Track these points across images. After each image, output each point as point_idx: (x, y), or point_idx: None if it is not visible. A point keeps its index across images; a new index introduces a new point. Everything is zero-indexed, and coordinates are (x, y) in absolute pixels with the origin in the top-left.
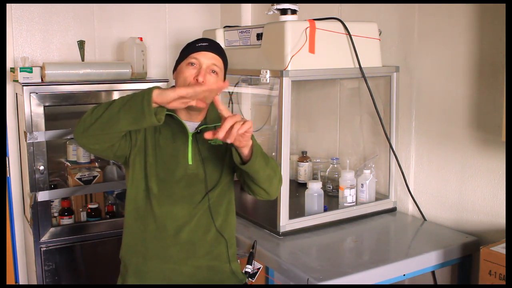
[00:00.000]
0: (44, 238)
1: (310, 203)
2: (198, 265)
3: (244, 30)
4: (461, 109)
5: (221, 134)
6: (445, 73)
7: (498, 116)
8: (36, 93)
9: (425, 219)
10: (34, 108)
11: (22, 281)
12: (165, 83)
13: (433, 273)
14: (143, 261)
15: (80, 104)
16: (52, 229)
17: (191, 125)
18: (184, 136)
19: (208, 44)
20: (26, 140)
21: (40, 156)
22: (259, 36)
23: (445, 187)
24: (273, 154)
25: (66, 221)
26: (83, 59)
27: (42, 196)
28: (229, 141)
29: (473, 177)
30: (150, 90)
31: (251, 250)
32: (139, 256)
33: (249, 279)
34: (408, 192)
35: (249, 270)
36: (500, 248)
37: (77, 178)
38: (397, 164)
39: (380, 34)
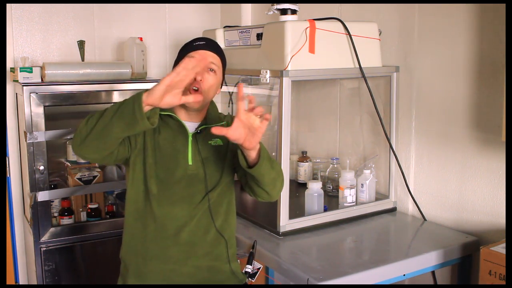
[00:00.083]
0: (44, 238)
1: (310, 203)
2: (198, 265)
3: (244, 30)
4: (461, 109)
5: (231, 133)
6: (445, 73)
7: (498, 116)
8: (36, 93)
9: (425, 219)
10: (34, 108)
11: (22, 281)
12: None
13: (433, 273)
14: (143, 261)
15: (80, 104)
16: (52, 229)
17: (191, 125)
18: (184, 136)
19: (205, 43)
20: (26, 140)
21: (40, 156)
22: (259, 36)
23: (445, 187)
24: (273, 154)
25: (66, 221)
26: (83, 59)
27: (42, 196)
28: (239, 141)
29: (473, 177)
30: (139, 94)
31: (251, 250)
32: (139, 256)
33: (249, 279)
34: (408, 192)
35: (249, 270)
36: (500, 248)
37: (77, 178)
38: (397, 164)
39: (380, 34)
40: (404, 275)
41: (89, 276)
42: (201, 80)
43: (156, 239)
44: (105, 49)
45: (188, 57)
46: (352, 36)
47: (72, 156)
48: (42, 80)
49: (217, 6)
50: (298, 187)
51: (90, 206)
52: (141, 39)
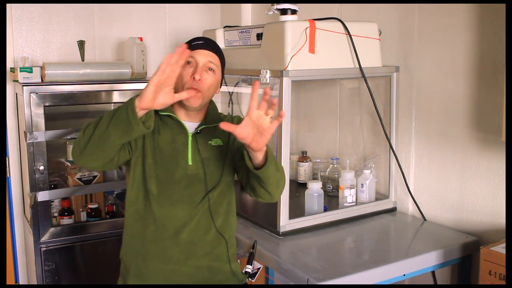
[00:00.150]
0: (44, 238)
1: (310, 203)
2: (198, 265)
3: (244, 30)
4: (461, 109)
5: (239, 130)
6: (445, 73)
7: (498, 116)
8: (36, 93)
9: (425, 219)
10: (34, 108)
11: (22, 281)
12: None
13: (433, 273)
14: (143, 262)
15: (80, 104)
16: (52, 229)
17: (191, 126)
18: (183, 136)
19: (203, 42)
20: (26, 140)
21: (40, 156)
22: (259, 36)
23: (445, 187)
24: (273, 154)
25: (66, 221)
26: (83, 59)
27: (42, 196)
28: (247, 141)
29: (473, 177)
30: (132, 99)
31: (251, 250)
32: (139, 257)
33: (249, 279)
34: (408, 192)
35: (249, 270)
36: (500, 248)
37: (77, 178)
38: (397, 164)
39: (380, 34)
40: (404, 275)
41: (89, 276)
42: (199, 80)
43: (156, 240)
44: (105, 49)
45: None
46: (352, 36)
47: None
48: (42, 80)
49: (217, 6)
50: (298, 187)
51: (90, 206)
52: (141, 39)
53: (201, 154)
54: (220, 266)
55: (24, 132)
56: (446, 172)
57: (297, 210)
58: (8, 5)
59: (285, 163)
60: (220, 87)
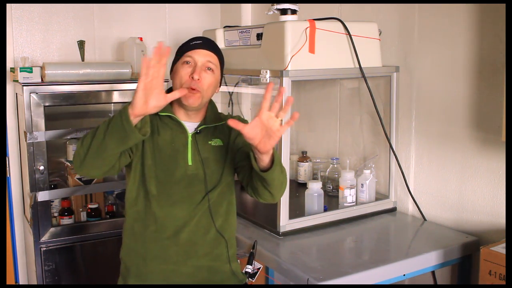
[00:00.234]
0: (44, 238)
1: (310, 203)
2: (198, 265)
3: (244, 30)
4: (461, 109)
5: (247, 130)
6: (445, 73)
7: (498, 116)
8: (36, 93)
9: (425, 219)
10: (34, 108)
11: (22, 281)
12: (165, 83)
13: (433, 273)
14: (143, 262)
15: (80, 104)
16: (52, 229)
17: (190, 126)
18: (183, 136)
19: (202, 42)
20: (26, 140)
21: (40, 156)
22: (259, 36)
23: (445, 187)
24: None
25: (66, 221)
26: (83, 59)
27: (42, 196)
28: (254, 142)
29: (473, 177)
30: (125, 107)
31: (251, 250)
32: (139, 257)
33: (249, 279)
34: (408, 192)
35: (249, 270)
36: (500, 248)
37: (77, 178)
38: (397, 164)
39: (380, 34)
40: (404, 275)
41: (89, 276)
42: (198, 79)
43: (156, 240)
44: (105, 49)
45: (186, 56)
46: (352, 36)
47: (72, 156)
48: (42, 80)
49: (217, 6)
50: (298, 187)
51: (90, 206)
52: (141, 39)
53: (201, 154)
54: (220, 266)
55: (24, 132)
56: (446, 172)
57: (297, 210)
58: (8, 5)
59: (285, 163)
60: (220, 86)
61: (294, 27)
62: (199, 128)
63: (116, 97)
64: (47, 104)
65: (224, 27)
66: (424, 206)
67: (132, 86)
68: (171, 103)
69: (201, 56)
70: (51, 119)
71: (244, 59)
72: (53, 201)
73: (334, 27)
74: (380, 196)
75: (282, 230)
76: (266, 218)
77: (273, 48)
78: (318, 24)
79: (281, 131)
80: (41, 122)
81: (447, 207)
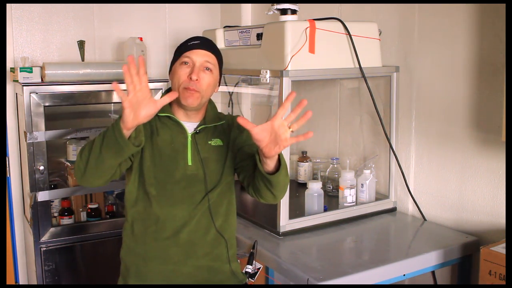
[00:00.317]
0: (44, 238)
1: (310, 203)
2: (198, 265)
3: (244, 30)
4: (461, 109)
5: (256, 131)
6: (445, 73)
7: (498, 116)
8: (36, 93)
9: (425, 219)
10: (34, 108)
11: (22, 281)
12: (165, 83)
13: (433, 273)
14: (143, 262)
15: (80, 104)
16: (52, 229)
17: (190, 126)
18: (183, 137)
19: (200, 42)
20: (26, 140)
21: (40, 156)
22: (259, 36)
23: (445, 187)
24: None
25: (66, 221)
26: (83, 59)
27: (42, 196)
28: (261, 144)
29: (473, 177)
30: (117, 121)
31: (251, 250)
32: (139, 257)
33: (249, 279)
34: (408, 192)
35: (250, 270)
36: (500, 248)
37: None
38: (397, 164)
39: (380, 34)
40: (404, 275)
41: (89, 276)
42: (197, 80)
43: (156, 240)
44: (105, 49)
45: (183, 56)
46: (352, 36)
47: (72, 156)
48: (42, 80)
49: (217, 6)
50: (298, 187)
51: (90, 206)
52: (141, 39)
53: (200, 154)
54: (220, 266)
55: (24, 132)
56: (446, 172)
57: (297, 210)
58: (8, 5)
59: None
60: (219, 86)
61: (294, 27)
62: (198, 128)
63: (116, 97)
64: (47, 104)
65: (224, 27)
66: (424, 206)
67: None
68: (170, 104)
69: (199, 56)
70: (51, 119)
71: (244, 59)
72: (53, 201)
73: (334, 27)
74: (380, 196)
75: (282, 230)
76: (266, 218)
77: (273, 48)
78: (318, 24)
79: (288, 142)
80: (41, 122)
81: (447, 207)
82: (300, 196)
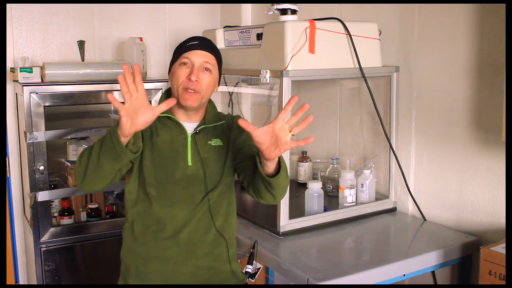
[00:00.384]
0: (44, 238)
1: (310, 203)
2: (198, 265)
3: (244, 30)
4: (461, 109)
5: (257, 133)
6: (445, 73)
7: (498, 116)
8: (36, 93)
9: (425, 219)
10: (34, 108)
11: (22, 281)
12: (165, 83)
13: (433, 273)
14: (144, 262)
15: (80, 104)
16: (52, 229)
17: (190, 126)
18: (183, 137)
19: (198, 42)
20: (26, 140)
21: (40, 156)
22: (259, 36)
23: (445, 187)
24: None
25: (66, 221)
26: (83, 59)
27: (42, 196)
28: (261, 147)
29: (473, 177)
30: (114, 128)
31: (251, 250)
32: (139, 257)
33: (249, 279)
34: (408, 192)
35: (250, 270)
36: (500, 248)
37: None
38: (397, 164)
39: (380, 34)
40: (404, 275)
41: (89, 276)
42: (196, 81)
43: (156, 240)
44: (105, 49)
45: (182, 57)
46: (352, 36)
47: (72, 156)
48: (42, 80)
49: (217, 6)
50: (298, 187)
51: (90, 206)
52: (141, 39)
53: (200, 154)
54: (220, 266)
55: (24, 132)
56: (446, 172)
57: (297, 210)
58: (8, 5)
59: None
60: (218, 85)
61: (294, 27)
62: (198, 128)
63: (116, 97)
64: (47, 104)
65: (224, 27)
66: (424, 206)
67: None
68: None
69: (198, 57)
70: (51, 119)
71: (244, 59)
72: (53, 201)
73: (334, 27)
74: (380, 196)
75: (282, 230)
76: (266, 218)
77: (273, 48)
78: (318, 24)
79: (289, 145)
80: (41, 122)
81: (447, 207)
82: (300, 196)
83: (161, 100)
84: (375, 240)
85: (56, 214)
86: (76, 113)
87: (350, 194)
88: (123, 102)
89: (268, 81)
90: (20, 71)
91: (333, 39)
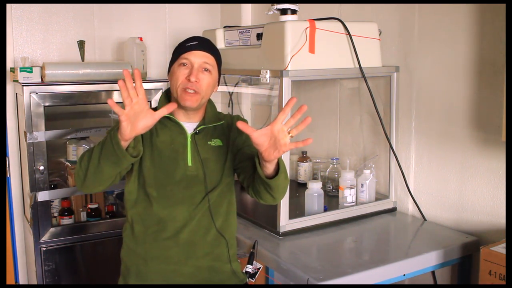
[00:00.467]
0: (44, 238)
1: (310, 203)
2: (199, 265)
3: (244, 30)
4: (461, 109)
5: (256, 135)
6: (445, 73)
7: (498, 116)
8: (36, 93)
9: (425, 219)
10: (34, 108)
11: (22, 281)
12: (165, 83)
13: (433, 273)
14: (144, 262)
15: (80, 104)
16: (52, 229)
17: (189, 126)
18: (182, 137)
19: (198, 43)
20: (26, 140)
21: (40, 156)
22: (259, 36)
23: (445, 187)
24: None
25: (66, 221)
26: (83, 59)
27: (42, 196)
28: (260, 148)
29: (473, 177)
30: (114, 133)
31: (251, 250)
32: (140, 257)
33: (249, 279)
34: (408, 192)
35: (250, 270)
36: (500, 248)
37: None
38: (397, 164)
39: (380, 34)
40: (404, 275)
41: (89, 276)
42: (195, 81)
43: (156, 240)
44: (105, 49)
45: (182, 58)
46: (352, 36)
47: (72, 156)
48: (42, 80)
49: (217, 6)
50: (298, 187)
51: (90, 206)
52: (141, 39)
53: (200, 154)
54: (221, 266)
55: (24, 132)
56: (446, 172)
57: (297, 210)
58: (8, 5)
59: (285, 163)
60: (218, 85)
61: (294, 27)
62: (198, 129)
63: (116, 97)
64: (47, 104)
65: (224, 27)
66: (424, 206)
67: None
68: None
69: (197, 58)
70: (51, 119)
71: (244, 59)
72: (53, 201)
73: (334, 27)
74: (380, 196)
75: (282, 230)
76: (266, 218)
77: (273, 48)
78: (318, 24)
79: (287, 147)
80: (41, 122)
81: (447, 207)
82: (300, 196)
83: (160, 100)
84: (375, 240)
85: (56, 214)
86: (76, 113)
87: (350, 194)
88: (121, 103)
89: (268, 81)
90: (20, 71)
91: (333, 39)
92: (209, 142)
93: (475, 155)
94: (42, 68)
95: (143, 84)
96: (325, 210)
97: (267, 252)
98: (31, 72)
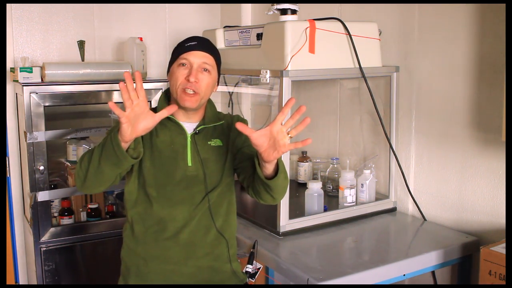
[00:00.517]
0: (44, 238)
1: (310, 203)
2: (199, 265)
3: (244, 30)
4: (461, 109)
5: (255, 136)
6: (445, 73)
7: (498, 116)
8: (36, 93)
9: (425, 219)
10: (34, 108)
11: (22, 281)
12: (165, 83)
13: (433, 273)
14: (144, 262)
15: (80, 104)
16: (52, 229)
17: (189, 126)
18: (182, 137)
19: (197, 43)
20: (26, 140)
21: (40, 156)
22: (259, 36)
23: (445, 187)
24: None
25: (66, 221)
26: (83, 59)
27: (42, 196)
28: (259, 149)
29: (473, 177)
30: (115, 135)
31: (252, 250)
32: (140, 257)
33: (249, 279)
34: (408, 192)
35: (250, 270)
36: (500, 248)
37: None
38: (397, 164)
39: (380, 34)
40: (404, 275)
41: (89, 276)
42: (195, 82)
43: (156, 240)
44: (105, 49)
45: (181, 58)
46: (352, 36)
47: (72, 156)
48: (42, 80)
49: (217, 6)
50: (298, 187)
51: (90, 206)
52: (141, 39)
53: (200, 154)
54: (221, 266)
55: (24, 132)
56: (446, 172)
57: (297, 210)
58: (8, 5)
59: (285, 163)
60: (217, 85)
61: (294, 27)
62: (197, 129)
63: (116, 97)
64: (47, 104)
65: (224, 27)
66: (424, 206)
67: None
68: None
69: (197, 58)
70: (51, 119)
71: (244, 59)
72: (53, 201)
73: (334, 27)
74: (380, 196)
75: (282, 230)
76: (266, 218)
77: (273, 48)
78: (318, 24)
79: (287, 148)
80: (41, 122)
81: (447, 207)
82: (300, 196)
83: (160, 100)
84: (375, 240)
85: (56, 214)
86: (76, 113)
87: (350, 194)
88: (121, 103)
89: (268, 81)
90: (20, 71)
91: (333, 39)
92: (209, 142)
93: (475, 155)
94: (42, 68)
95: (143, 84)
96: (325, 210)
97: (267, 252)
98: (31, 72)
